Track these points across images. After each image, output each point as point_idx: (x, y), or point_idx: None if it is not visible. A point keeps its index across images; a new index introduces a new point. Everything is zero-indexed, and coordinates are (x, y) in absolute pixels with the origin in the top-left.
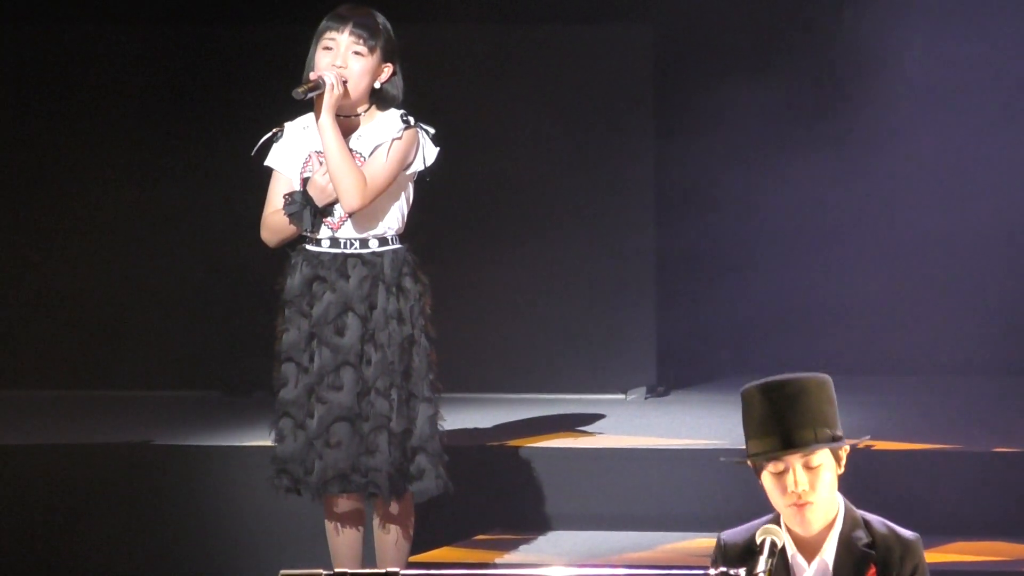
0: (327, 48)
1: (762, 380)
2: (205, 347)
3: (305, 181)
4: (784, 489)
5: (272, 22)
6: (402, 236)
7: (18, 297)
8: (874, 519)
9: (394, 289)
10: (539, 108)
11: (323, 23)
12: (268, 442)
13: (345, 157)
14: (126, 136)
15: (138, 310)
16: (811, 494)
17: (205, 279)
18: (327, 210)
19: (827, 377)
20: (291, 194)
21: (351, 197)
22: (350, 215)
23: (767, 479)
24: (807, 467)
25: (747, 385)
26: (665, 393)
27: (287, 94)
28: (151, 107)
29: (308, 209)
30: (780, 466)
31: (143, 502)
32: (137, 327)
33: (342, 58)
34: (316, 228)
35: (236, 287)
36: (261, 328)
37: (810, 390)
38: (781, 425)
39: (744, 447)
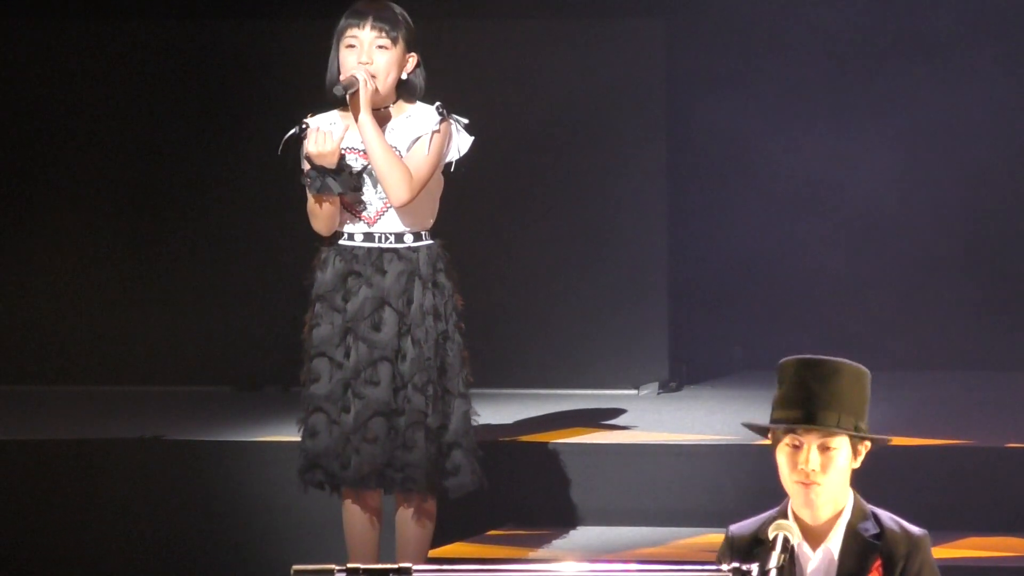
0: (350, 46)
1: (803, 355)
2: (216, 342)
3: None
4: (795, 465)
5: (285, 18)
6: (432, 231)
7: (27, 292)
8: (884, 514)
9: (430, 285)
10: (550, 104)
11: (343, 21)
12: (279, 437)
13: (389, 153)
14: (134, 132)
15: (148, 305)
16: (820, 475)
17: (215, 274)
18: (343, 167)
19: (866, 371)
20: (305, 174)
21: (400, 192)
22: (397, 209)
23: (781, 453)
24: (822, 448)
25: (785, 358)
26: (677, 388)
27: (299, 89)
28: (157, 103)
29: (327, 176)
30: (796, 440)
31: (155, 498)
32: (147, 322)
33: (367, 54)
34: (347, 186)
35: (247, 282)
36: (272, 323)
37: (844, 375)
38: (808, 401)
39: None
